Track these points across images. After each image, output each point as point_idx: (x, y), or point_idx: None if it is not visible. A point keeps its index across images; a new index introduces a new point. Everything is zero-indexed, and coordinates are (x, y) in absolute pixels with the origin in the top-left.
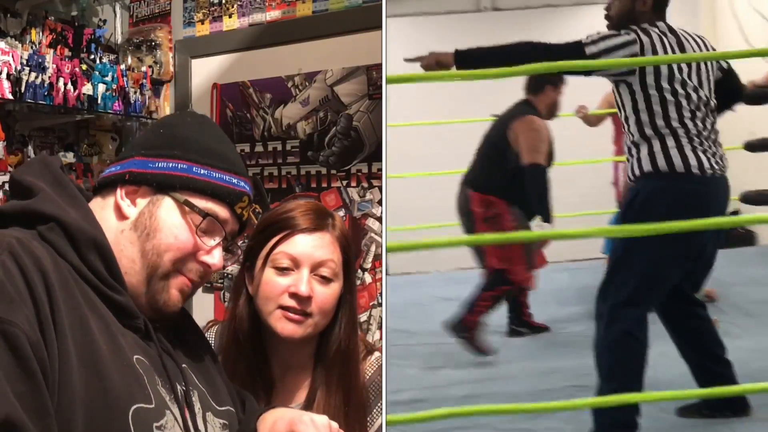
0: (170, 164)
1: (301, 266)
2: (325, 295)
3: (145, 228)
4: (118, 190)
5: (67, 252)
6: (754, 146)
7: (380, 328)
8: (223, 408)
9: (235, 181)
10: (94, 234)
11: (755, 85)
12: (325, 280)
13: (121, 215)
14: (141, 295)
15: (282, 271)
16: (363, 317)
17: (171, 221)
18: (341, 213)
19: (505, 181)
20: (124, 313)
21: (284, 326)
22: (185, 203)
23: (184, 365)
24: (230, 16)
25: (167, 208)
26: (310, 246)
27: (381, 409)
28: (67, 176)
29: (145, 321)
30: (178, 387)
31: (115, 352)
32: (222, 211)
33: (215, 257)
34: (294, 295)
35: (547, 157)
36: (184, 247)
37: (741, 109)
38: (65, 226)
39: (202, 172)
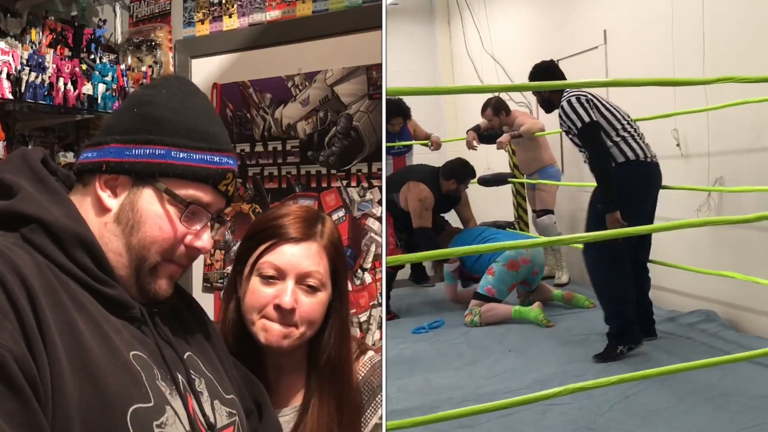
0: (147, 151)
1: (286, 277)
2: (311, 304)
3: (129, 221)
4: (97, 180)
5: (52, 252)
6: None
7: (380, 327)
8: (229, 396)
9: (216, 159)
10: (78, 230)
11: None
12: (312, 289)
13: (102, 206)
14: (131, 286)
15: (267, 280)
16: (363, 317)
17: (154, 212)
18: (341, 213)
19: None
20: (117, 305)
21: (267, 336)
22: (166, 192)
23: (189, 353)
24: (230, 16)
25: (148, 199)
26: (296, 256)
27: (374, 409)
28: (48, 168)
29: (141, 309)
30: (180, 377)
31: (109, 352)
32: (205, 194)
33: (203, 240)
34: (278, 307)
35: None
36: (170, 237)
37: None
38: (48, 225)
39: (182, 155)
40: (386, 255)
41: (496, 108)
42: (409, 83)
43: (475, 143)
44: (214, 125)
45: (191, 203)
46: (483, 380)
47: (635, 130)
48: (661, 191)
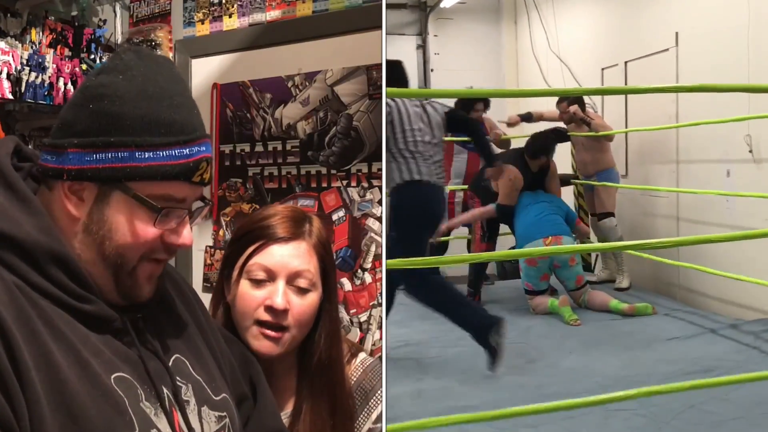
0: (109, 155)
1: (276, 278)
2: (302, 306)
3: (99, 230)
4: (61, 187)
5: (24, 272)
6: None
7: (380, 328)
8: (220, 397)
9: (186, 152)
10: (51, 245)
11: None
12: (302, 290)
13: (70, 215)
14: (110, 291)
15: (257, 283)
16: (363, 317)
17: (125, 219)
18: (341, 213)
19: None
20: (97, 321)
21: (260, 344)
22: (135, 197)
23: (176, 356)
24: (230, 16)
25: (116, 205)
26: (286, 256)
27: (368, 414)
28: (22, 156)
29: (124, 319)
30: (165, 390)
31: (89, 383)
32: (179, 190)
33: (183, 236)
34: (270, 309)
35: None
36: (145, 241)
37: None
38: (20, 243)
39: (147, 155)
40: (472, 248)
41: (575, 100)
42: (474, 83)
43: (513, 120)
44: (180, 110)
45: (163, 206)
46: (546, 378)
47: (422, 154)
48: (732, 198)
